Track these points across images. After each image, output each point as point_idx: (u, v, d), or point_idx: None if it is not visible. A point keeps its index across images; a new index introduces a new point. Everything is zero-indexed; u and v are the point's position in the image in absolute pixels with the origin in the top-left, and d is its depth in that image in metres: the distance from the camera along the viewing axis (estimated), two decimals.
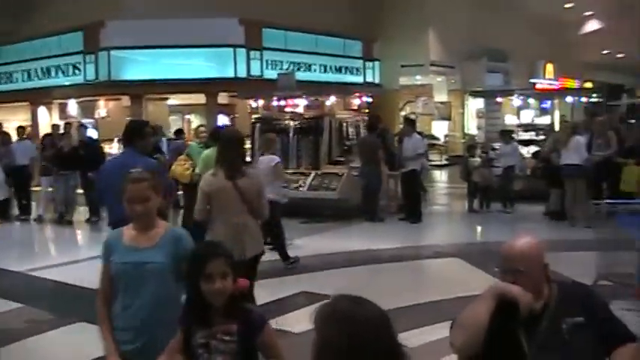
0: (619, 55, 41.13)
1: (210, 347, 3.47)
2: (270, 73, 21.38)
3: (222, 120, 23.06)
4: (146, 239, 4.08)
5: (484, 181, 15.71)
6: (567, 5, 29.37)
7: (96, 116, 24.09)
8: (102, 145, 16.84)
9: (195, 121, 23.88)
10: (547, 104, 28.06)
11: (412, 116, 20.82)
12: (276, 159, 10.86)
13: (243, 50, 21.77)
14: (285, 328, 7.14)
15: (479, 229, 14.63)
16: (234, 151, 6.78)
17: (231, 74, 21.77)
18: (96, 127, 22.40)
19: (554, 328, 3.41)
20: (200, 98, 22.62)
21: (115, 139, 18.57)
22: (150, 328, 4.04)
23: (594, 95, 29.46)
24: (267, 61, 22.52)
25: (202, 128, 13.28)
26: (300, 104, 18.86)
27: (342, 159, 15.96)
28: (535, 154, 16.44)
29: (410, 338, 6.43)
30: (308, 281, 9.53)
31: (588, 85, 35.75)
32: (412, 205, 14.70)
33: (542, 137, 18.93)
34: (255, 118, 17.51)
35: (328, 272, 10.30)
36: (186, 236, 4.14)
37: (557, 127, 20.04)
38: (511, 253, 3.51)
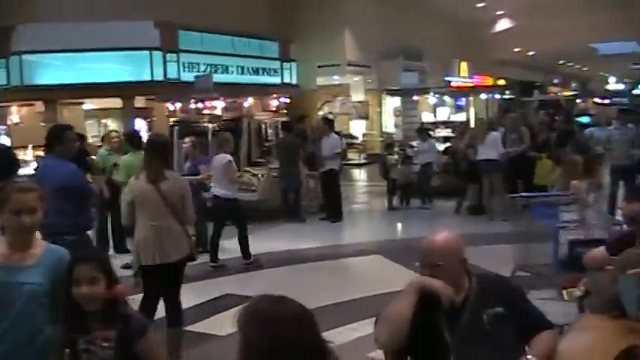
0: (530, 53, 42.22)
1: (92, 353, 3.42)
2: (188, 76, 21.17)
3: (140, 124, 22.74)
4: (21, 257, 3.72)
5: (403, 179, 15.92)
6: (479, 4, 29.98)
7: (8, 123, 23.45)
8: (15, 152, 16.36)
9: (112, 125, 23.49)
10: (462, 102, 28.63)
11: (330, 116, 20.93)
12: (228, 157, 10.95)
13: (160, 53, 21.52)
14: (211, 332, 7.12)
15: (399, 225, 14.82)
16: (160, 155, 6.73)
17: (147, 77, 21.48)
18: (8, 134, 21.80)
19: (475, 320, 3.51)
20: (116, 102, 22.21)
21: (30, 146, 18.12)
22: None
23: (507, 92, 30.18)
24: (183, 63, 22.28)
25: (114, 134, 12.82)
26: (218, 106, 18.76)
27: (261, 160, 15.95)
28: (445, 151, 16.66)
29: (335, 336, 6.49)
30: (232, 283, 9.51)
31: (501, 82, 36.57)
32: (332, 204, 14.80)
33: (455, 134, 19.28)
34: (173, 122, 17.35)
35: (251, 274, 10.30)
36: (67, 257, 3.72)
37: (472, 124, 20.42)
38: (430, 248, 3.60)
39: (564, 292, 6.80)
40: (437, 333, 3.49)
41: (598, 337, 4.17)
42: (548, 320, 3.71)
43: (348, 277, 10.77)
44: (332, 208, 14.73)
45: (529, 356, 3.42)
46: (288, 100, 22.49)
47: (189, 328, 7.08)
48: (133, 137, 11.06)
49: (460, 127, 18.55)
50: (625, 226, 6.41)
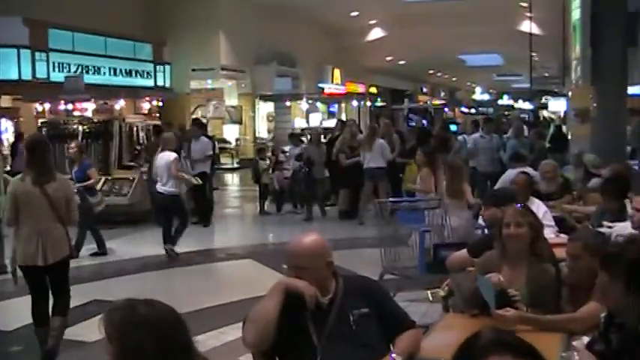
0: (401, 62, 43.22)
1: None
2: (58, 76, 20.56)
3: (5, 124, 21.93)
4: None
5: (276, 184, 16.00)
6: (353, 14, 30.49)
7: None
8: None
9: None
10: (334, 108, 29.05)
11: (203, 120, 20.80)
12: (174, 155, 11.47)
13: (28, 51, 20.78)
14: (79, 338, 6.96)
15: (270, 230, 14.89)
16: (41, 155, 6.65)
17: (14, 76, 20.72)
18: None
19: (342, 320, 3.59)
20: None
21: None
22: None
23: (378, 99, 30.83)
24: (53, 63, 21.60)
25: None
26: (89, 108, 18.33)
27: (132, 164, 15.68)
28: (298, 157, 16.43)
29: (208, 340, 6.54)
30: (100, 289, 9.30)
31: (373, 89, 37.30)
32: (203, 208, 14.71)
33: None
34: (42, 123, 16.84)
35: (120, 278, 10.12)
36: None
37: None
38: (295, 250, 3.67)
39: (429, 292, 7.07)
40: (303, 334, 3.56)
41: (459, 335, 4.37)
42: (412, 319, 3.84)
43: (219, 281, 10.74)
44: (203, 212, 14.64)
45: (394, 355, 3.53)
46: (160, 104, 22.22)
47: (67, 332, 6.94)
48: None
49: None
50: (485, 230, 6.71)
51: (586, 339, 3.76)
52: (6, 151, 17.89)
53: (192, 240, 12.56)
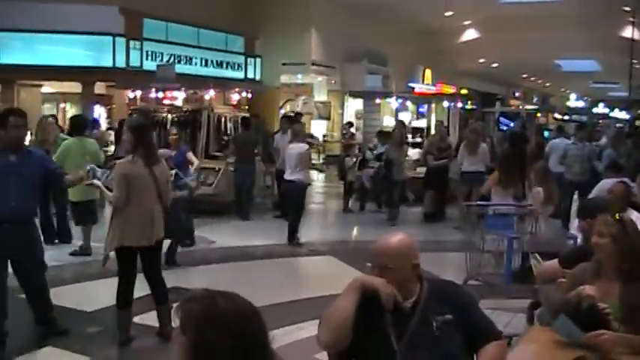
0: (494, 65, 42.51)
1: None
2: (150, 65, 20.88)
3: (99, 110, 22.42)
4: None
5: (366, 182, 15.83)
6: (447, 14, 30.07)
7: None
8: None
9: (71, 110, 23.11)
10: (424, 108, 28.70)
11: (291, 114, 20.79)
12: (307, 145, 12.57)
13: (123, 40, 21.17)
14: (156, 324, 6.98)
15: (352, 228, 14.74)
16: (148, 137, 7.00)
17: (109, 63, 21.10)
18: None
19: (424, 325, 3.41)
20: (76, 87, 21.89)
21: None
22: None
23: (469, 102, 30.37)
24: (147, 52, 21.95)
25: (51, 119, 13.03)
26: (179, 97, 18.53)
27: (219, 154, 15.78)
28: (379, 157, 15.79)
29: (283, 335, 6.43)
30: (182, 276, 9.32)
31: (464, 91, 36.75)
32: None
33: (418, 140, 19.30)
34: (132, 109, 17.11)
35: (200, 268, 10.16)
36: None
37: (432, 131, 20.44)
38: (382, 249, 3.51)
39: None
40: (382, 337, 3.40)
41: (542, 349, 4.15)
42: (499, 330, 3.64)
43: (298, 276, 10.68)
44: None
45: None
46: (250, 96, 22.32)
47: (135, 319, 6.98)
48: (78, 122, 10.94)
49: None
50: (579, 241, 6.42)
51: None
52: (111, 137, 18.21)
53: (275, 234, 12.53)
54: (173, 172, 8.99)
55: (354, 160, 16.29)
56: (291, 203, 12.43)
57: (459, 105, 26.46)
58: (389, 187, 14.49)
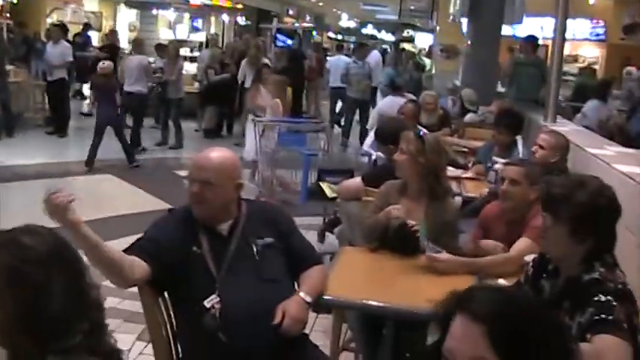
0: None
1: None
2: None
3: None
4: None
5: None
6: None
7: None
8: None
9: None
10: (198, 23, 28.00)
11: (58, 23, 19.40)
12: (147, 58, 12.74)
13: None
14: None
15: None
16: None
17: None
18: None
19: (244, 250, 3.18)
20: None
21: None
22: None
23: (245, 18, 29.98)
24: None
25: None
26: None
27: None
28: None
29: None
30: None
31: (239, 6, 36.22)
32: (60, 117, 13.73)
33: (196, 54, 18.75)
34: None
35: None
36: None
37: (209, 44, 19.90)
38: (204, 163, 3.18)
39: None
40: (199, 263, 3.12)
41: (364, 272, 4.08)
42: (319, 254, 3.50)
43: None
44: (59, 122, 13.67)
45: (301, 294, 3.16)
46: (14, 1, 20.67)
47: None
48: None
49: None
50: (373, 157, 6.42)
51: (502, 282, 3.53)
52: None
53: (47, 151, 11.68)
54: None
55: None
56: (132, 115, 12.39)
57: (239, 19, 26.02)
58: (165, 107, 13.78)
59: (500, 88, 12.90)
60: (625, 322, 2.51)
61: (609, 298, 2.57)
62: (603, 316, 2.51)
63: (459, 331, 1.52)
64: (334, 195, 6.17)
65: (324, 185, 6.47)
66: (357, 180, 5.41)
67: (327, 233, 6.86)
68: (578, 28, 19.56)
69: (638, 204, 3.92)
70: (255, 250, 3.18)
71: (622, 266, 2.79)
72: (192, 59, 19.73)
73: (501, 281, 3.54)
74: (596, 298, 2.57)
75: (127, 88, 12.09)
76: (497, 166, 5.86)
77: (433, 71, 17.27)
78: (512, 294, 1.84)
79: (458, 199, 5.54)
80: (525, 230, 3.93)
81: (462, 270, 3.73)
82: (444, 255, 3.77)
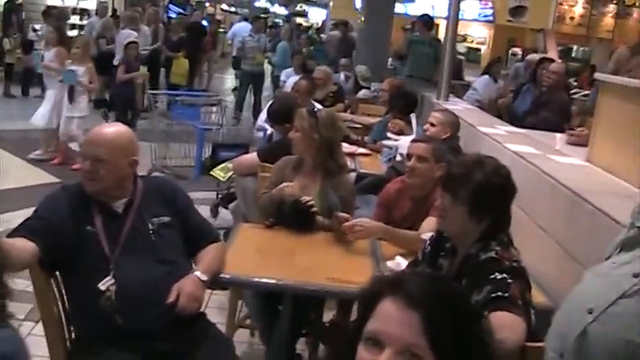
0: None
1: None
2: None
3: None
4: None
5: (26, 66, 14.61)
6: None
7: None
8: None
9: None
10: None
11: None
12: None
13: None
14: None
15: (16, 116, 13.51)
16: None
17: None
18: None
19: (139, 228, 3.09)
20: None
21: None
22: None
23: None
24: None
25: None
26: None
27: None
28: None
29: None
30: None
31: None
32: None
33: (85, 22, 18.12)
34: None
35: None
36: None
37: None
38: (96, 139, 3.08)
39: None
40: (92, 242, 3.01)
41: (261, 249, 4.05)
42: (217, 231, 3.45)
43: None
44: None
45: (197, 273, 3.10)
46: None
47: None
48: None
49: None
50: (268, 132, 6.38)
51: (401, 260, 3.57)
52: None
53: None
54: None
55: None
56: None
57: None
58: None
59: (391, 66, 13.07)
60: (519, 299, 2.61)
61: (505, 276, 2.65)
62: (499, 293, 2.58)
63: (392, 316, 1.49)
64: (228, 175, 6.11)
65: (215, 171, 6.40)
66: (252, 155, 5.37)
67: (220, 208, 6.80)
68: (468, 8, 19.94)
69: (529, 183, 4.03)
70: (150, 229, 3.10)
71: (516, 244, 2.87)
72: (82, 27, 19.10)
73: (399, 258, 3.58)
74: (492, 276, 2.65)
75: None
76: (390, 142, 5.92)
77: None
78: (443, 278, 1.86)
79: (352, 175, 5.59)
80: (433, 209, 3.96)
81: (378, 233, 3.78)
82: (363, 219, 3.80)
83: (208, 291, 4.58)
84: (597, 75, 5.04)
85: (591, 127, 4.82)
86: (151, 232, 3.10)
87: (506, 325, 2.48)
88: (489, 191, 2.79)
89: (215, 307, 4.79)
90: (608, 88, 4.49)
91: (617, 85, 4.36)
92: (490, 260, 2.73)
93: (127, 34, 12.35)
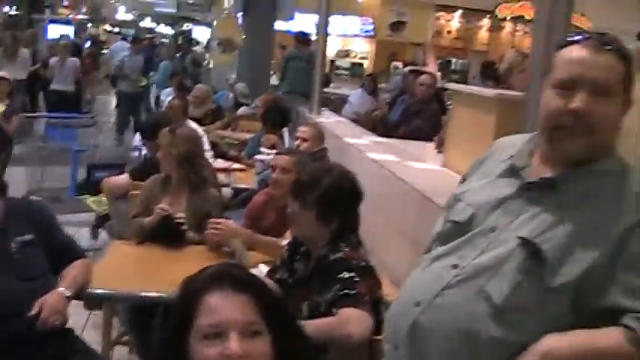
0: None
1: None
2: None
3: None
4: None
5: None
6: None
7: None
8: None
9: None
10: None
11: None
12: None
13: None
14: None
15: None
16: None
17: None
18: None
19: (2, 247, 3.13)
20: None
21: None
22: None
23: (14, 7, 28.53)
24: None
25: None
26: None
27: None
28: None
29: None
30: None
31: None
32: None
33: None
34: None
35: None
36: None
37: None
38: None
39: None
40: None
41: (132, 263, 4.12)
42: (81, 248, 3.51)
43: None
44: None
45: (60, 288, 3.16)
46: None
47: None
48: None
49: None
50: (143, 152, 6.44)
51: (263, 268, 3.70)
52: None
53: None
54: None
55: None
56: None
57: (6, 9, 24.73)
58: None
59: (275, 81, 13.26)
60: (366, 296, 2.79)
61: (352, 274, 2.83)
62: (347, 291, 2.76)
63: (225, 304, 1.64)
64: (103, 208, 6.14)
65: (89, 201, 6.42)
66: (123, 176, 5.43)
67: (99, 230, 6.79)
68: (349, 24, 20.36)
69: (385, 188, 4.26)
70: (13, 247, 3.14)
71: (372, 242, 3.07)
72: None
73: (261, 266, 3.72)
74: (340, 276, 2.83)
75: None
76: (262, 157, 6.08)
77: (211, 65, 17.41)
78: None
79: (227, 190, 5.73)
80: None
81: (241, 235, 3.94)
82: (229, 221, 3.97)
83: (87, 312, 4.66)
84: (448, 85, 5.33)
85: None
86: (14, 249, 3.14)
87: (352, 321, 2.67)
88: (336, 195, 3.00)
89: (92, 327, 4.80)
90: (457, 96, 4.77)
91: (464, 94, 4.64)
92: (339, 260, 2.91)
93: None
